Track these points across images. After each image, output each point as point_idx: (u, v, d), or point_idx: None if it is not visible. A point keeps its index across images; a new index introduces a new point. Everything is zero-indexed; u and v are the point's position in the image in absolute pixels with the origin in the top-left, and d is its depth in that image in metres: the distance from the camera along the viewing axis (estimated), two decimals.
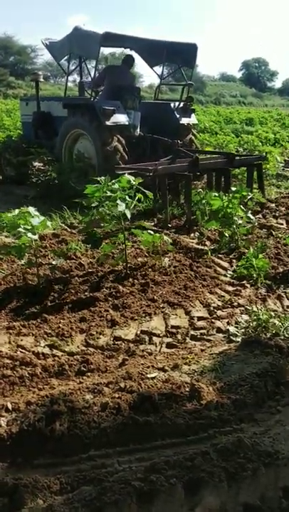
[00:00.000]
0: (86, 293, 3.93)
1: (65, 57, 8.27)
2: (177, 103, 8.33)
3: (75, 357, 3.01)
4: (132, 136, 7.68)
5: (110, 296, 3.88)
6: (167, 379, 2.79)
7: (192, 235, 5.71)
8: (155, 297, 3.88)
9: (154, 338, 3.35)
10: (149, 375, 2.82)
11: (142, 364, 2.96)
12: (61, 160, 7.81)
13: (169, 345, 3.30)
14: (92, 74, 7.87)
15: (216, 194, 5.53)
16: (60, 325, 3.39)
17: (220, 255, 5.02)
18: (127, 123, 7.26)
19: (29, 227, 3.67)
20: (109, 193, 3.96)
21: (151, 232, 4.46)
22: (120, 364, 2.97)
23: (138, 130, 7.89)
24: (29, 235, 3.67)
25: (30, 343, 3.15)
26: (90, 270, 4.39)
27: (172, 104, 8.33)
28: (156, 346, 3.28)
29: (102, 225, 4.41)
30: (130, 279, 4.17)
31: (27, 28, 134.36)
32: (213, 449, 2.22)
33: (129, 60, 8.63)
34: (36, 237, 3.79)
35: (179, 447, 2.26)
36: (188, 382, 2.76)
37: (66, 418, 2.32)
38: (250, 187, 7.12)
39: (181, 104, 8.26)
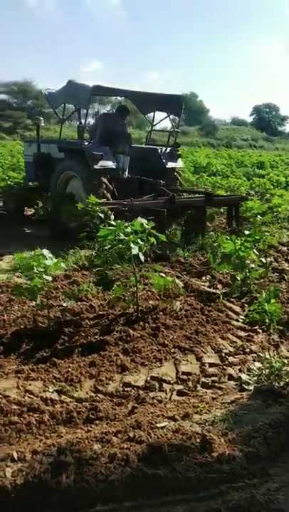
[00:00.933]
0: (96, 336, 3.90)
1: (61, 106, 9.03)
2: (164, 148, 9.00)
3: (83, 404, 2.95)
4: (121, 178, 8.30)
5: (121, 340, 3.84)
6: (177, 429, 2.71)
7: (204, 277, 5.69)
8: (166, 342, 3.83)
9: (165, 385, 3.28)
10: (158, 425, 2.75)
11: (152, 412, 2.89)
12: (54, 199, 8.29)
13: (179, 393, 3.23)
14: (84, 121, 8.76)
15: (228, 237, 5.54)
16: (70, 369, 3.34)
17: (232, 299, 4.97)
18: (114, 167, 7.91)
19: (42, 270, 3.69)
20: (122, 236, 3.98)
21: (163, 275, 4.46)
22: (129, 412, 2.90)
23: (126, 173, 8.56)
24: (44, 276, 3.70)
25: (39, 388, 3.10)
26: (101, 313, 4.37)
27: (159, 150, 8.97)
28: (166, 393, 3.21)
29: (113, 267, 4.43)
30: (141, 323, 4.13)
31: (46, 74, 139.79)
32: (225, 506, 2.14)
33: (122, 110, 9.43)
34: (49, 278, 3.80)
35: (189, 503, 2.17)
36: (199, 432, 2.68)
37: (73, 470, 2.25)
38: (230, 225, 7.64)
39: (168, 150, 8.89)
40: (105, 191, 7.62)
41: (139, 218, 4.20)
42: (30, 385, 3.13)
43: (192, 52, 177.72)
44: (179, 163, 9.07)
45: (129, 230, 4.06)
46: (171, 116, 9.35)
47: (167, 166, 8.72)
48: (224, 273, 5.58)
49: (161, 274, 4.37)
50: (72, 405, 2.93)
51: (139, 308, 4.34)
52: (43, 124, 9.72)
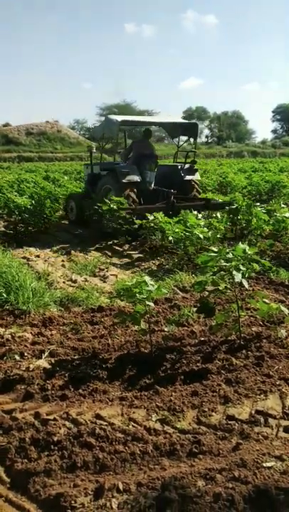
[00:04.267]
0: (198, 364, 3.87)
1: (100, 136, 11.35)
2: (185, 165, 10.99)
3: (186, 436, 2.93)
4: (148, 189, 10.53)
5: (223, 368, 3.77)
6: (285, 470, 2.58)
7: None
8: (271, 372, 3.68)
9: (270, 420, 3.14)
10: (265, 464, 2.64)
11: (258, 450, 2.78)
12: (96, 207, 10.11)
13: (286, 429, 3.06)
14: (114, 148, 11.46)
15: None
16: (172, 398, 3.34)
17: None
18: (138, 180, 10.01)
19: (145, 297, 3.75)
20: (224, 263, 3.93)
21: (267, 301, 4.31)
22: (234, 448, 2.81)
23: (152, 185, 10.69)
24: (147, 302, 3.77)
25: (142, 417, 3.13)
26: (203, 339, 4.34)
27: (180, 166, 10.99)
28: (272, 429, 3.06)
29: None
30: (244, 351, 4.03)
31: (146, 95, 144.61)
32: None
33: (147, 133, 11.35)
34: (152, 305, 3.86)
35: None
36: None
37: (177, 507, 2.24)
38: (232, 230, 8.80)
39: (187, 166, 10.88)
40: (131, 200, 9.71)
41: (240, 244, 4.13)
42: (133, 412, 3.18)
43: None
44: (196, 176, 11.03)
45: (230, 255, 4.00)
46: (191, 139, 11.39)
47: (185, 179, 10.79)
48: None
49: (264, 300, 4.23)
50: (176, 437, 2.92)
51: (242, 335, 4.24)
52: (94, 151, 12.09)
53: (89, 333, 4.62)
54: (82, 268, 7.21)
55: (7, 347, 4.26)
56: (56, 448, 2.81)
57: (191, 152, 11.25)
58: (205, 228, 7.29)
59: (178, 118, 12.28)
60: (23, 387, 3.55)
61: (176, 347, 4.16)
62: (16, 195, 11.27)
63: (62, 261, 7.93)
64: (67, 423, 3.05)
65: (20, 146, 58.80)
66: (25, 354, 4.12)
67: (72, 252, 8.57)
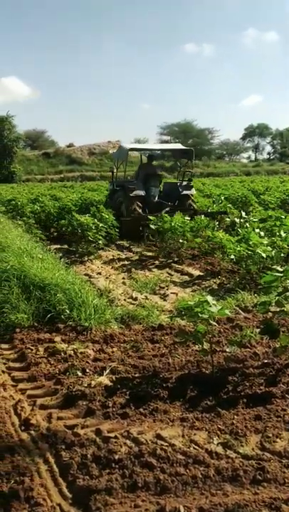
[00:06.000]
0: (261, 387, 3.75)
1: (116, 160, 14.98)
2: (183, 182, 13.74)
3: (249, 461, 2.83)
4: (152, 202, 13.18)
5: (288, 393, 3.63)
6: None
7: None
8: None
9: None
10: None
11: None
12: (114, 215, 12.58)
13: None
14: (124, 169, 14.23)
15: None
16: (234, 421, 3.25)
17: None
18: (143, 194, 12.78)
19: (206, 316, 3.71)
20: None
21: None
22: None
23: (156, 198, 13.44)
24: (210, 321, 3.73)
25: (203, 439, 3.07)
26: (266, 361, 4.21)
27: (178, 183, 13.78)
28: None
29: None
30: None
31: (205, 112, 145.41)
32: None
33: (151, 157, 14.83)
34: (215, 324, 3.81)
35: None
36: None
37: None
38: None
39: (185, 183, 13.61)
40: (137, 210, 12.37)
41: None
42: (195, 434, 3.12)
43: None
44: (192, 191, 13.67)
45: None
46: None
47: (182, 193, 13.34)
48: None
49: None
50: (238, 462, 2.83)
51: None
52: (115, 171, 14.62)
53: (149, 351, 4.62)
54: (143, 286, 7.26)
55: (69, 362, 4.34)
56: (117, 466, 2.80)
57: (187, 172, 14.27)
58: (268, 247, 7.14)
59: (177, 145, 16.04)
60: (84, 403, 3.60)
61: (239, 369, 4.07)
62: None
63: (123, 278, 8.03)
64: (128, 442, 3.04)
65: (83, 166, 60.70)
66: (87, 370, 4.18)
67: (133, 269, 8.67)
